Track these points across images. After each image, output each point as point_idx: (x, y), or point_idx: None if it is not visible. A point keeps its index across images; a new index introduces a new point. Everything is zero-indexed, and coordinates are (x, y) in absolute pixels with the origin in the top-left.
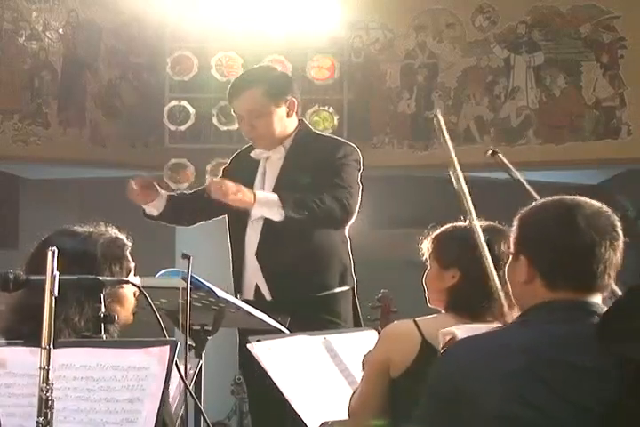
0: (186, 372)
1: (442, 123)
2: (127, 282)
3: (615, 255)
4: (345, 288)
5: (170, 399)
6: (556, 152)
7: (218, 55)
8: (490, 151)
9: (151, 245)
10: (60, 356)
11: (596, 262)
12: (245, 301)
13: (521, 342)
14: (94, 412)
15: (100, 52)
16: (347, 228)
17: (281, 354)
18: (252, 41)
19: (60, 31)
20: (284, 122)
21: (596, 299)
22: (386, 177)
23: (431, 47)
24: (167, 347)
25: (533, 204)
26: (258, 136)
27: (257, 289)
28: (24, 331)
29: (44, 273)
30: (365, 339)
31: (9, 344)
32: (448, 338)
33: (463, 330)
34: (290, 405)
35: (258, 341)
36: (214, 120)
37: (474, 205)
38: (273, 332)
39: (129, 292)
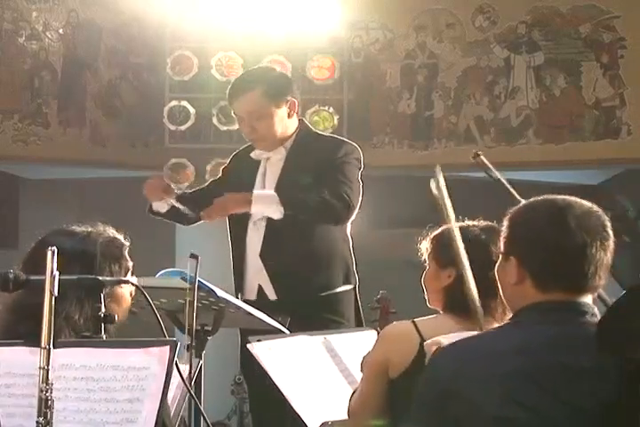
0: (190, 373)
1: (444, 191)
2: (127, 282)
3: (606, 256)
4: (348, 287)
5: (170, 399)
6: (556, 152)
7: (218, 55)
8: (473, 154)
9: (151, 245)
10: (60, 356)
11: (587, 263)
12: (247, 301)
13: (513, 344)
14: (94, 412)
15: (100, 52)
16: (348, 226)
17: (281, 354)
18: (252, 41)
19: (60, 31)
20: (285, 123)
21: (587, 299)
22: (386, 177)
23: (431, 47)
24: (167, 347)
25: (523, 203)
26: (259, 137)
27: (260, 289)
28: (21, 331)
29: (42, 273)
30: (365, 339)
31: (9, 344)
32: (434, 349)
33: (450, 339)
34: (290, 405)
35: (258, 341)
36: (214, 120)
37: (474, 204)
38: (274, 332)
39: (126, 291)
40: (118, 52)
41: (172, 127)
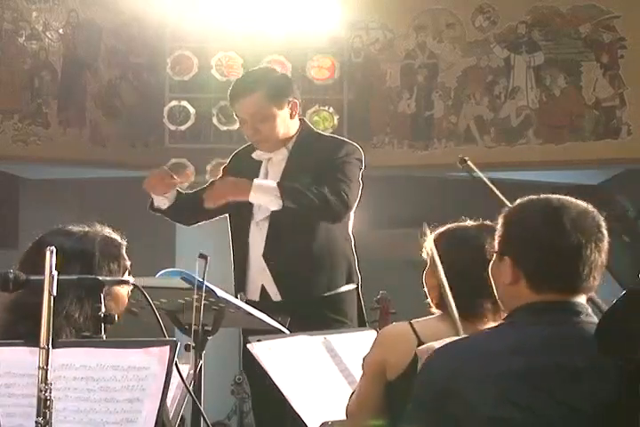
0: (195, 373)
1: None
2: (127, 282)
3: (600, 257)
4: (351, 287)
5: (170, 399)
6: (556, 152)
7: (218, 55)
8: (460, 159)
9: (151, 245)
10: (60, 356)
11: (582, 264)
12: (250, 301)
13: (508, 344)
14: (94, 412)
15: (100, 52)
16: (350, 225)
17: (281, 354)
18: (252, 41)
19: (60, 31)
20: (287, 123)
21: (581, 299)
22: (386, 177)
23: (431, 47)
24: (167, 347)
25: (518, 202)
26: (261, 139)
27: (263, 290)
28: (21, 330)
29: (40, 273)
30: (366, 339)
31: (9, 344)
32: (426, 357)
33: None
34: (290, 405)
35: (258, 341)
36: (214, 120)
37: (474, 204)
38: (275, 332)
39: (125, 291)
40: (118, 52)
41: (172, 127)
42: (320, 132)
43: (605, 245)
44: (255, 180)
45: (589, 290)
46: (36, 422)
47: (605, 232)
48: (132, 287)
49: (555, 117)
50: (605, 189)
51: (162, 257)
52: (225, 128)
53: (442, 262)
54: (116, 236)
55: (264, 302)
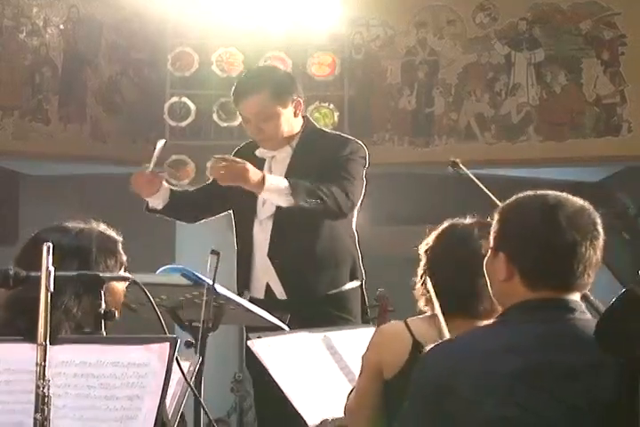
0: (197, 371)
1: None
2: (128, 279)
3: (595, 255)
4: (355, 284)
5: (170, 396)
6: (557, 149)
7: (218, 51)
8: (451, 162)
9: (151, 242)
10: (60, 353)
11: (577, 262)
12: (255, 299)
13: (502, 343)
14: (94, 409)
15: (101, 48)
16: (353, 222)
17: (281, 351)
18: (252, 37)
19: (61, 27)
20: (291, 122)
21: (575, 297)
22: (386, 174)
23: (432, 44)
24: (167, 344)
25: (514, 198)
26: (266, 138)
27: (268, 288)
28: (21, 327)
29: (36, 269)
30: (365, 336)
31: (9, 340)
32: (421, 356)
33: None
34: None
35: (258, 338)
36: (215, 117)
37: (473, 202)
38: (278, 329)
39: (121, 286)
40: (119, 47)
41: (173, 123)
42: (324, 129)
43: (601, 242)
44: (268, 176)
45: (583, 287)
46: (34, 418)
47: (601, 230)
48: (127, 283)
49: (555, 114)
50: (606, 186)
51: (162, 254)
52: (225, 124)
53: (441, 260)
54: (111, 232)
55: (269, 300)
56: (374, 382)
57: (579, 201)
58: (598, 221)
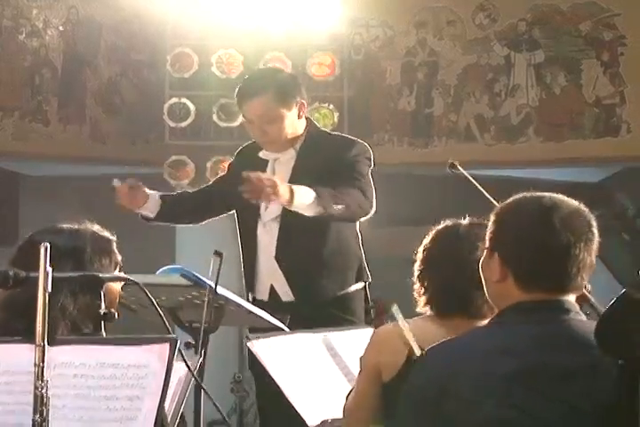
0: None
1: (399, 317)
2: (128, 279)
3: (589, 257)
4: (360, 285)
5: (170, 396)
6: (557, 150)
7: (218, 52)
8: (449, 164)
9: (151, 243)
10: (60, 354)
11: (570, 264)
12: (259, 301)
13: (497, 345)
14: (94, 410)
15: (101, 49)
16: (357, 223)
17: (281, 352)
18: (252, 38)
19: (60, 28)
20: (295, 124)
21: (570, 298)
22: (386, 175)
23: (431, 45)
24: (167, 344)
25: (510, 200)
26: (269, 140)
27: (272, 290)
28: (20, 328)
29: (30, 271)
30: (365, 336)
31: (8, 341)
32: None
33: None
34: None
35: (257, 338)
36: (214, 117)
37: (473, 202)
38: (279, 330)
39: (117, 286)
40: (118, 48)
41: (173, 124)
42: (327, 130)
43: (595, 244)
44: (295, 189)
45: (578, 289)
46: (32, 419)
47: (596, 232)
48: (123, 283)
49: (555, 115)
50: (605, 187)
51: (162, 254)
52: (225, 125)
53: (438, 260)
54: (105, 232)
55: (273, 303)
56: (373, 384)
57: (574, 203)
58: (593, 222)
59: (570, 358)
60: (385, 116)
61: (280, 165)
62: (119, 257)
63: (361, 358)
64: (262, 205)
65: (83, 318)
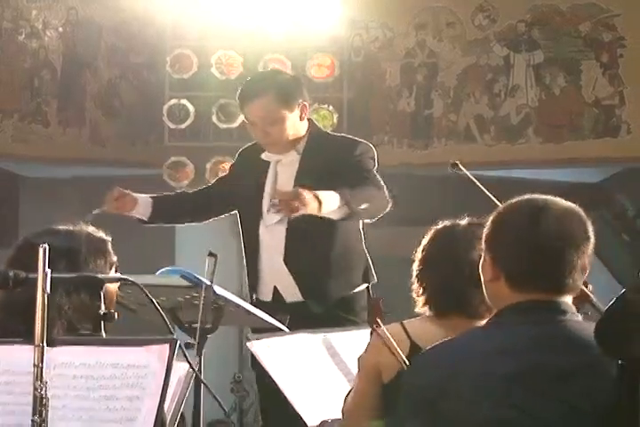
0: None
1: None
2: (127, 280)
3: (580, 258)
4: (364, 286)
5: (169, 396)
6: (556, 150)
7: (218, 53)
8: (451, 164)
9: (151, 244)
10: (60, 354)
11: (561, 265)
12: (263, 302)
13: (495, 345)
14: (94, 410)
15: (100, 51)
16: (360, 223)
17: (280, 352)
18: (251, 39)
19: (60, 29)
20: (297, 126)
21: (566, 299)
22: (385, 176)
23: (431, 46)
24: (167, 345)
25: (508, 202)
26: (271, 141)
27: (275, 291)
28: (14, 328)
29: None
30: (365, 337)
31: (8, 342)
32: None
33: None
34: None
35: (257, 339)
36: (214, 118)
37: (473, 203)
38: (280, 330)
39: (114, 286)
40: (118, 50)
41: (172, 126)
42: (329, 131)
43: (590, 245)
44: (320, 195)
45: (572, 290)
46: (32, 420)
47: (591, 233)
48: (119, 283)
49: (554, 116)
50: (605, 187)
51: (162, 256)
52: (225, 126)
53: (436, 260)
54: (100, 233)
55: (276, 303)
56: (373, 385)
57: (567, 204)
58: (588, 224)
59: (568, 359)
60: (384, 117)
61: (282, 167)
62: (114, 257)
63: (359, 359)
64: (264, 209)
65: (79, 318)
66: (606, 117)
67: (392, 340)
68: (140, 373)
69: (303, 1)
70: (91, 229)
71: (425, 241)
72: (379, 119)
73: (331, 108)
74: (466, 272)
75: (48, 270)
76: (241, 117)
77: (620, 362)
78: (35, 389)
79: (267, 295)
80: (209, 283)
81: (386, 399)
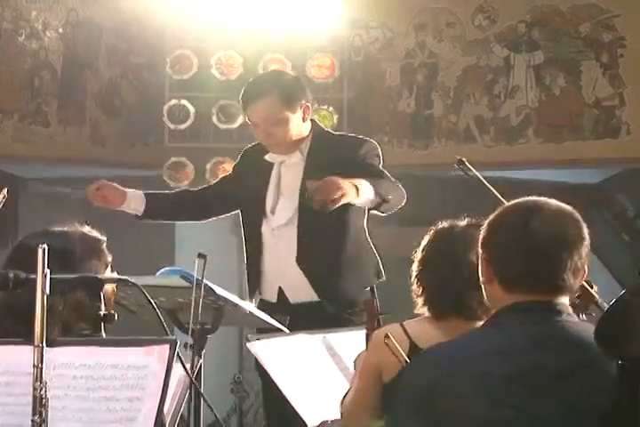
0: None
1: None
2: (127, 281)
3: (574, 259)
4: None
5: (169, 397)
6: (556, 151)
7: (218, 54)
8: (457, 161)
9: (151, 244)
10: (60, 355)
11: (551, 266)
12: (267, 303)
13: (494, 345)
14: (94, 411)
15: (100, 51)
16: (365, 221)
17: (280, 352)
18: (251, 40)
19: (60, 30)
20: (300, 126)
21: (563, 300)
22: None
23: (431, 46)
24: (167, 346)
25: (502, 206)
26: (274, 142)
27: (280, 292)
28: (19, 329)
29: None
30: (364, 338)
31: (8, 343)
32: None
33: None
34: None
35: (257, 339)
36: (214, 119)
37: (473, 203)
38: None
39: (110, 286)
40: (118, 51)
41: (172, 126)
42: (332, 131)
43: (584, 246)
44: (357, 184)
45: (568, 291)
46: (32, 420)
47: (586, 234)
48: (116, 283)
49: (554, 117)
50: (605, 188)
51: (161, 255)
52: (225, 127)
53: (435, 261)
54: (95, 233)
55: (281, 304)
56: (373, 384)
57: (560, 205)
58: (583, 225)
59: (567, 359)
60: (384, 117)
61: (286, 168)
62: (109, 257)
63: (356, 359)
64: (268, 211)
65: (76, 319)
66: (606, 118)
67: (394, 341)
68: (139, 373)
69: (303, 1)
70: (85, 229)
71: (424, 242)
72: (379, 120)
73: (331, 108)
74: (464, 274)
75: (47, 271)
76: (241, 118)
77: (620, 362)
78: (34, 389)
79: (272, 296)
80: (208, 283)
81: (386, 399)
